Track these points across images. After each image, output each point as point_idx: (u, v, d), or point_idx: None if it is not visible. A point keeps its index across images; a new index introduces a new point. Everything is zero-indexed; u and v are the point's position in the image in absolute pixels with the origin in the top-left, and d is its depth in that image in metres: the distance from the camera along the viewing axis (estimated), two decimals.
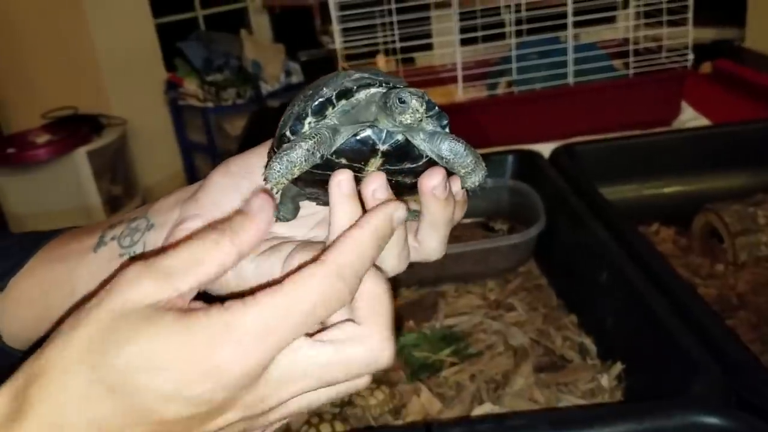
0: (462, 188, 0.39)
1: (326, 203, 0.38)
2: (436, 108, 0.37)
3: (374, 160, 0.37)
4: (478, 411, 0.81)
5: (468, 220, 1.19)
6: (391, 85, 0.38)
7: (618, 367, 0.84)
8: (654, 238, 1.16)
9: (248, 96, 3.92)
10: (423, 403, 0.84)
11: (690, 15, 1.41)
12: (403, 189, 0.39)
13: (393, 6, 1.47)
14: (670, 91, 1.48)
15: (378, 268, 0.36)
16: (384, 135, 0.36)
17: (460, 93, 1.47)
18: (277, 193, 0.37)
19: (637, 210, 1.18)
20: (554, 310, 1.00)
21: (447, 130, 0.38)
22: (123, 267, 0.33)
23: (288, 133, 0.38)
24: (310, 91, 0.39)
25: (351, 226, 0.35)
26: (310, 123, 0.37)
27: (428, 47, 1.72)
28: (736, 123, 1.33)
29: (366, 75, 0.38)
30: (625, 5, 1.63)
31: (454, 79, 1.49)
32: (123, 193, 3.73)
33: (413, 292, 1.08)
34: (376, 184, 0.36)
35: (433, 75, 1.58)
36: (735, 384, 0.64)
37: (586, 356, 0.90)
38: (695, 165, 1.24)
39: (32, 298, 0.48)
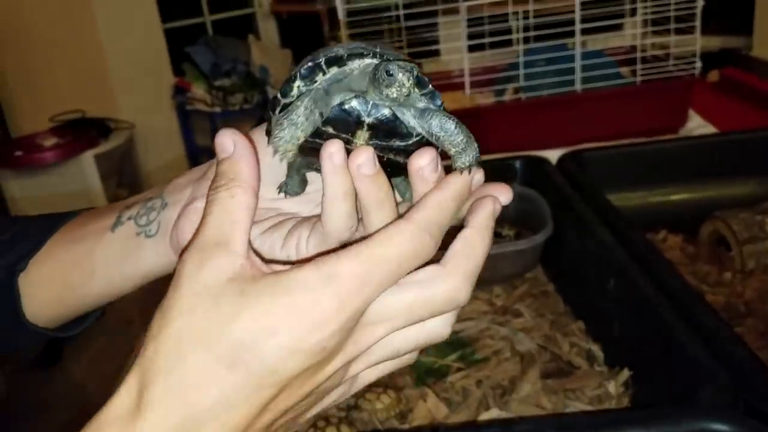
0: (454, 169, 0.38)
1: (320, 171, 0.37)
2: (430, 86, 0.36)
3: (361, 133, 0.36)
4: (485, 416, 0.81)
5: None
6: (384, 57, 0.36)
7: (625, 373, 0.83)
8: (661, 246, 1.16)
9: (255, 101, 3.94)
10: (429, 408, 0.84)
11: (698, 23, 1.42)
12: (396, 169, 0.38)
13: (401, 12, 1.48)
14: (677, 98, 1.49)
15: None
16: (369, 107, 0.36)
17: (467, 99, 1.48)
18: (285, 161, 0.37)
19: (644, 217, 1.18)
20: (561, 317, 1.00)
21: (441, 109, 0.37)
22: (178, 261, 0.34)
23: (279, 96, 0.37)
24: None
25: (433, 189, 0.36)
26: (299, 86, 0.37)
27: (436, 53, 1.73)
28: (744, 131, 1.33)
29: (362, 45, 0.37)
30: (633, 13, 1.63)
31: (461, 86, 1.49)
32: (129, 196, 3.72)
33: None
34: (362, 159, 0.35)
35: (441, 81, 1.59)
36: (742, 391, 0.64)
37: (593, 363, 0.89)
38: (703, 172, 1.24)
39: (52, 277, 0.50)
